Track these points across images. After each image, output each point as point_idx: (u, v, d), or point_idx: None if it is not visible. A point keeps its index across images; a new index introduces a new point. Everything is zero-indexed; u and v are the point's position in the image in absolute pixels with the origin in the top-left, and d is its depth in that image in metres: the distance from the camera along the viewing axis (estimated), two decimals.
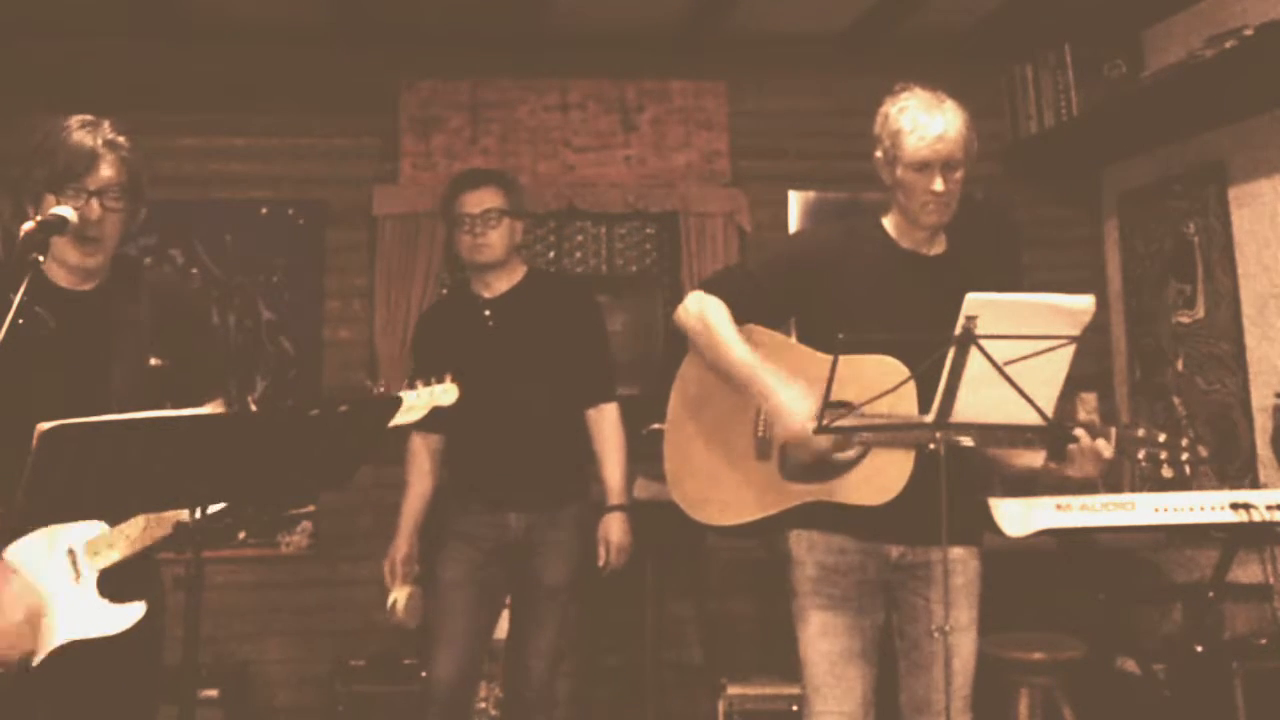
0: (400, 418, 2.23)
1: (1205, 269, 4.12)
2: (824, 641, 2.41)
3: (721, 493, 2.48)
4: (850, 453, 2.36)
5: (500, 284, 3.22)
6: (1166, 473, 2.26)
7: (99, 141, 2.09)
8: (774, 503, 2.43)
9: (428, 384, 2.65)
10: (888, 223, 2.51)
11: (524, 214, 3.31)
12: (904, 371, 2.24)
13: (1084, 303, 2.17)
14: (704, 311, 2.46)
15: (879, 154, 2.45)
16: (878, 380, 2.22)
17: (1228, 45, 3.56)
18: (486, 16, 4.28)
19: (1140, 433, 2.29)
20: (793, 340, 2.50)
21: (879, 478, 2.32)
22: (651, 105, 4.63)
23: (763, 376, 2.36)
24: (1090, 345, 4.25)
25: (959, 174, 2.39)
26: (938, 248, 2.51)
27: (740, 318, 2.45)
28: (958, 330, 2.13)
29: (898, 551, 2.42)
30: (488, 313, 3.19)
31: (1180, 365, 4.26)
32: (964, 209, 2.48)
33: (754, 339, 2.45)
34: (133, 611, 2.06)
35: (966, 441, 2.23)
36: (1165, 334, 4.33)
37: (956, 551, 2.40)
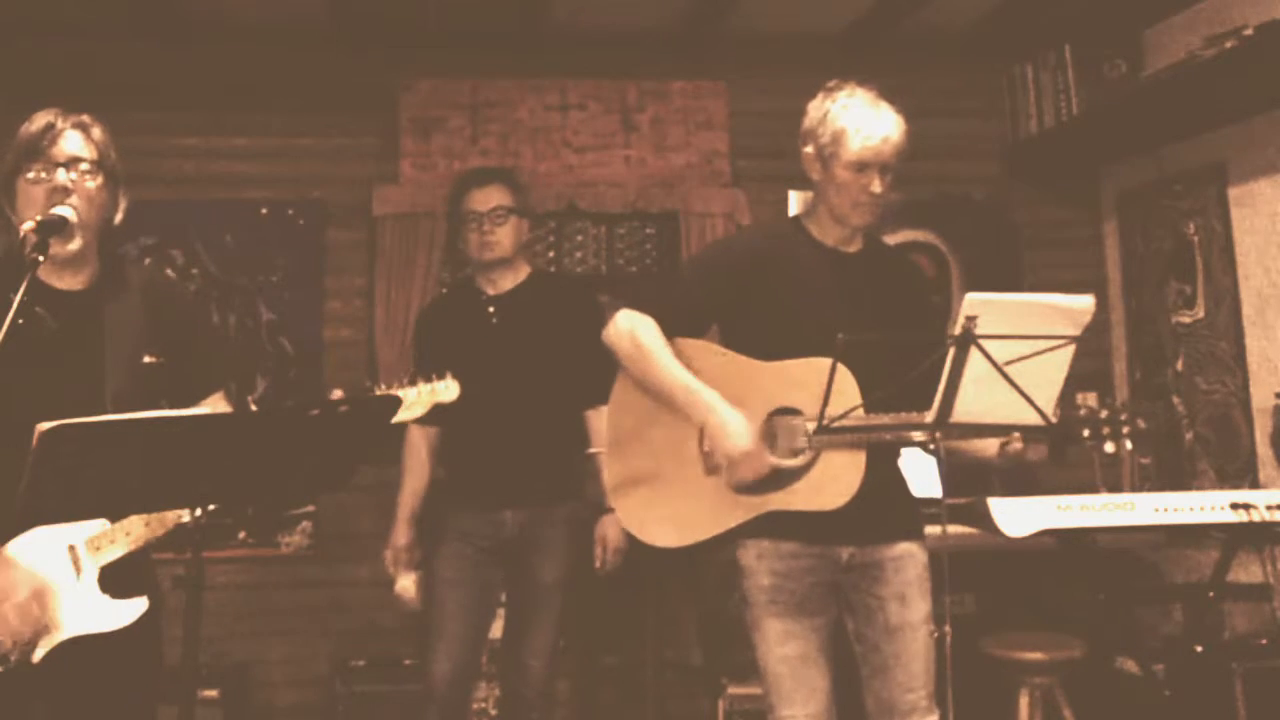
0: (401, 414, 2.23)
1: (1205, 269, 4.11)
2: (783, 647, 2.41)
3: (672, 512, 2.44)
4: (796, 461, 2.34)
5: (505, 282, 3.24)
6: (1109, 448, 2.27)
7: (60, 119, 2.12)
8: (727, 518, 2.41)
9: (428, 380, 2.65)
10: (808, 222, 2.51)
11: (530, 212, 3.34)
12: (839, 370, 2.19)
13: (1084, 303, 2.17)
14: (635, 332, 2.40)
15: (810, 149, 2.46)
16: (818, 383, 2.19)
17: (1227, 45, 3.56)
18: (486, 16, 4.28)
19: (1082, 412, 2.31)
20: (724, 349, 2.45)
21: (833, 483, 2.31)
22: (651, 105, 4.62)
23: (700, 398, 2.33)
24: (1090, 345, 4.25)
25: (889, 176, 2.40)
26: (856, 245, 2.52)
27: (671, 331, 2.41)
28: (958, 330, 2.13)
29: (848, 553, 2.42)
30: (491, 309, 3.21)
31: (1180, 365, 4.25)
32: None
33: (685, 353, 2.40)
34: (135, 606, 2.06)
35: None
36: (1165, 334, 4.33)
37: (904, 546, 2.42)
